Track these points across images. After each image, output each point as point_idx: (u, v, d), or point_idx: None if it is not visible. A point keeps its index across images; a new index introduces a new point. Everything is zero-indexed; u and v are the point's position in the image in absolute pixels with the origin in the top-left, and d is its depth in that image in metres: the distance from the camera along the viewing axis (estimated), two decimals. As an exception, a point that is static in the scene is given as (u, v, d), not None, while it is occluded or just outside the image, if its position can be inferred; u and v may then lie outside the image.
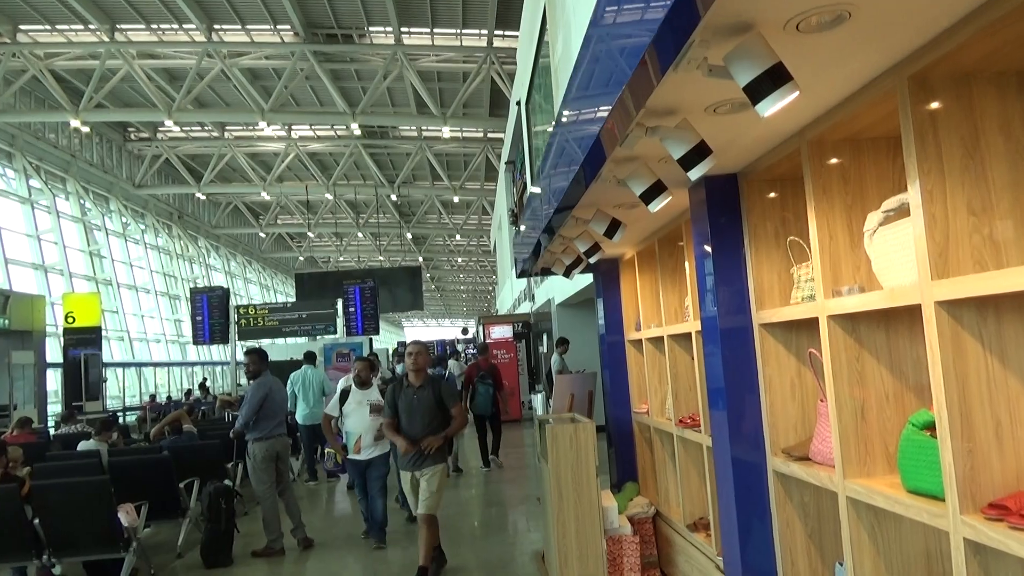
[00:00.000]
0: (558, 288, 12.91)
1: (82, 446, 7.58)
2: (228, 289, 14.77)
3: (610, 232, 3.79)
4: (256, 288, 38.79)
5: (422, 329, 74.46)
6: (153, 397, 21.46)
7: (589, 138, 2.86)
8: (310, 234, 36.13)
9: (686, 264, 4.32)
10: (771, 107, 1.87)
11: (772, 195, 3.37)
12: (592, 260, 4.31)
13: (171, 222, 30.67)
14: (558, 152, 3.74)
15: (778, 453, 3.27)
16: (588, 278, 10.31)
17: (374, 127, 26.99)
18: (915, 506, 2.27)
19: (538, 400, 13.87)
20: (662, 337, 4.97)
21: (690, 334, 4.36)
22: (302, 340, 17.41)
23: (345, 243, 39.75)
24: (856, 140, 2.77)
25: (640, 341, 5.57)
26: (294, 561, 6.66)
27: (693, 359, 4.46)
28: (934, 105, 2.13)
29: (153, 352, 27.13)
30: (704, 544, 4.43)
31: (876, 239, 2.49)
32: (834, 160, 2.77)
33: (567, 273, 5.32)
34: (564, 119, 3.46)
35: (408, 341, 5.60)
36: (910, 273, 2.29)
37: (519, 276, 6.06)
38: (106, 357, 22.54)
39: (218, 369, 29.63)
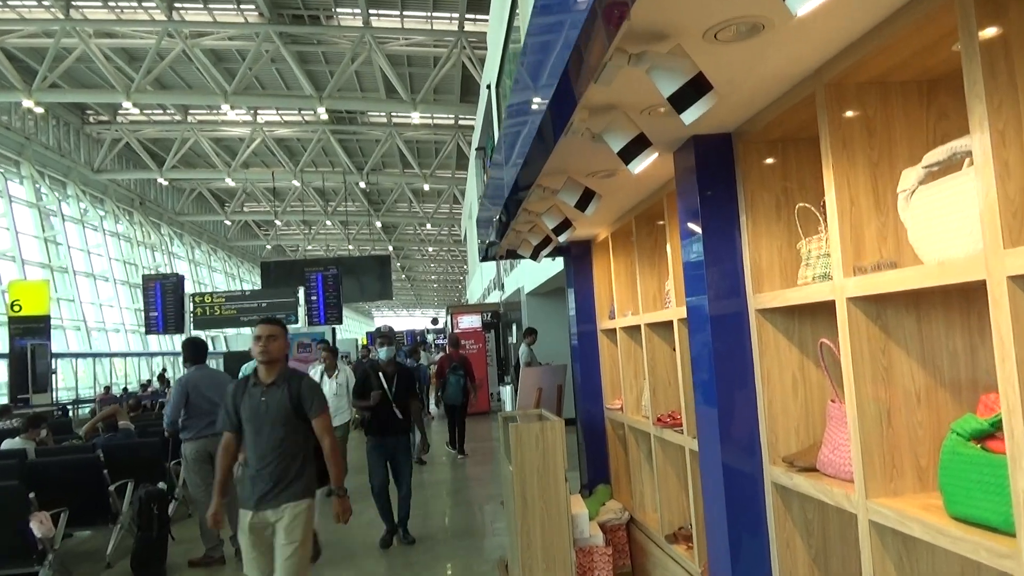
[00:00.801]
0: (528, 276, 12.36)
1: (6, 445, 6.88)
2: (183, 276, 13.97)
3: (583, 204, 3.24)
4: (221, 277, 37.69)
5: (392, 319, 73.51)
6: (108, 389, 20.52)
7: (558, 69, 2.30)
8: (277, 222, 35.18)
9: (667, 244, 3.79)
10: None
11: (771, 161, 2.85)
12: (562, 239, 3.76)
13: (132, 208, 29.56)
14: (520, 91, 3.17)
15: (777, 461, 2.75)
16: (559, 265, 9.77)
17: (342, 112, 26.23)
18: (970, 541, 1.75)
19: (507, 392, 13.33)
20: (639, 326, 4.44)
21: (671, 322, 3.83)
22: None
23: (314, 231, 38.83)
24: (884, 83, 2.24)
25: (614, 331, 5.04)
26: (234, 571, 6.04)
27: (675, 350, 3.93)
28: (993, 31, 1.60)
29: (112, 342, 26.11)
30: (685, 558, 3.92)
31: (915, 201, 1.96)
32: (853, 112, 2.25)
33: (535, 255, 4.76)
34: (529, 49, 2.90)
35: (266, 318, 4.31)
36: (963, 242, 1.77)
37: (483, 260, 5.51)
38: (61, 347, 21.58)
39: (180, 359, 28.75)
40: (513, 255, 5.46)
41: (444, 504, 8.39)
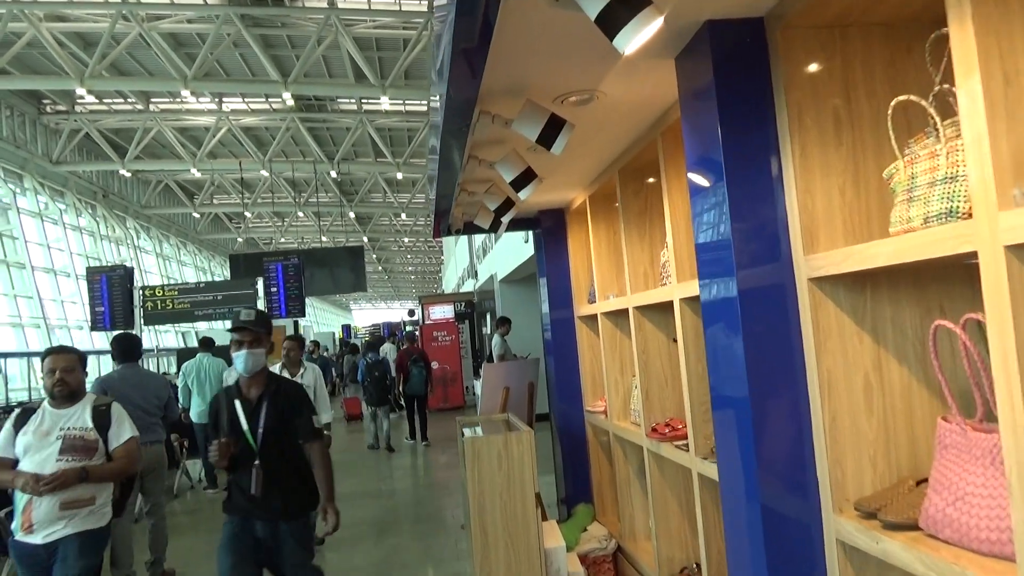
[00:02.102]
0: (501, 262, 11.37)
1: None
2: (131, 268, 12.80)
3: (547, 137, 2.26)
4: (191, 271, 36.21)
5: (370, 311, 72.14)
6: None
7: None
8: (247, 214, 33.83)
9: (664, 201, 2.80)
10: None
11: (824, 58, 1.88)
12: (523, 195, 2.77)
13: (95, 201, 28.10)
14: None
15: (847, 509, 1.79)
16: (529, 249, 8.74)
17: (311, 99, 25.08)
18: None
19: (481, 386, 12.37)
20: (626, 310, 3.46)
21: (671, 304, 2.85)
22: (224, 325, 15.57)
23: (286, 223, 37.48)
24: None
25: (595, 317, 4.06)
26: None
27: (675, 341, 2.97)
28: None
29: (76, 340, 24.79)
30: (692, 611, 2.97)
31: None
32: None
33: (494, 226, 3.78)
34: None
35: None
36: None
37: (435, 235, 4.52)
38: (20, 346, 20.32)
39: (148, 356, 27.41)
40: (473, 228, 4.44)
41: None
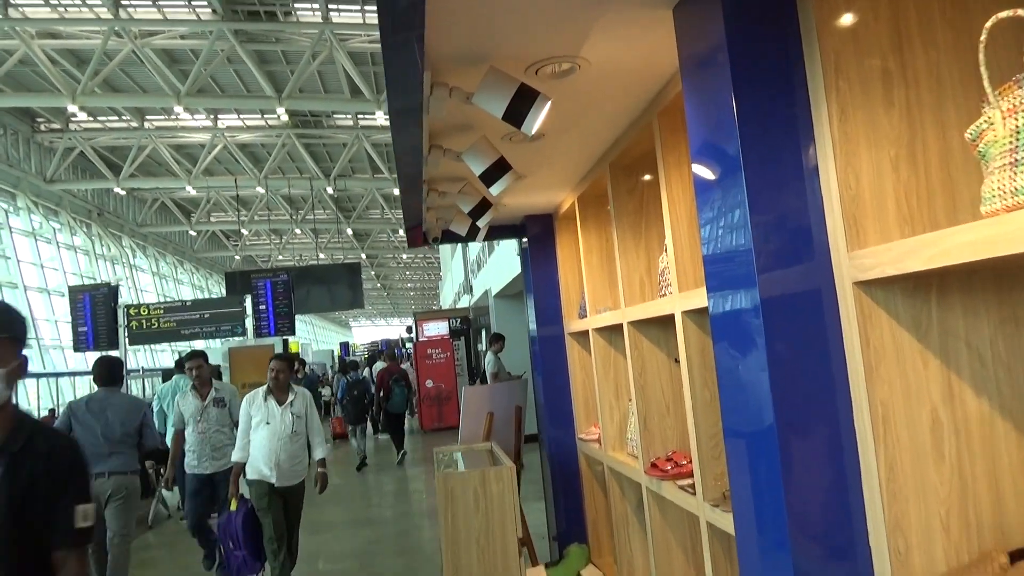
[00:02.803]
0: (495, 276, 10.92)
1: None
2: (116, 287, 12.32)
3: (517, 113, 1.82)
4: (188, 289, 35.73)
5: (370, 329, 71.54)
6: (52, 412, 18.70)
7: None
8: (244, 231, 33.44)
9: (662, 197, 2.36)
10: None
11: (865, 9, 1.44)
12: (496, 191, 2.32)
13: (90, 220, 27.71)
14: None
15: (914, 589, 1.33)
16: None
17: (307, 115, 24.83)
18: None
19: (476, 405, 11.89)
20: (620, 326, 3.01)
21: (671, 318, 2.40)
22: (216, 343, 15.07)
23: (284, 241, 37.09)
24: None
25: (586, 333, 3.60)
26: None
27: (677, 362, 2.51)
28: None
29: (70, 361, 24.31)
30: None
31: None
32: None
33: (472, 235, 3.34)
34: None
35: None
36: None
37: (410, 244, 4.05)
38: None
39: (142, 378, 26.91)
40: (453, 237, 3.98)
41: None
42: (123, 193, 27.76)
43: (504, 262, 9.89)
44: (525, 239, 4.14)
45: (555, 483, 3.97)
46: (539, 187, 3.36)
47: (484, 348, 13.03)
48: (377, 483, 10.10)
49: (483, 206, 3.04)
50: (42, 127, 24.56)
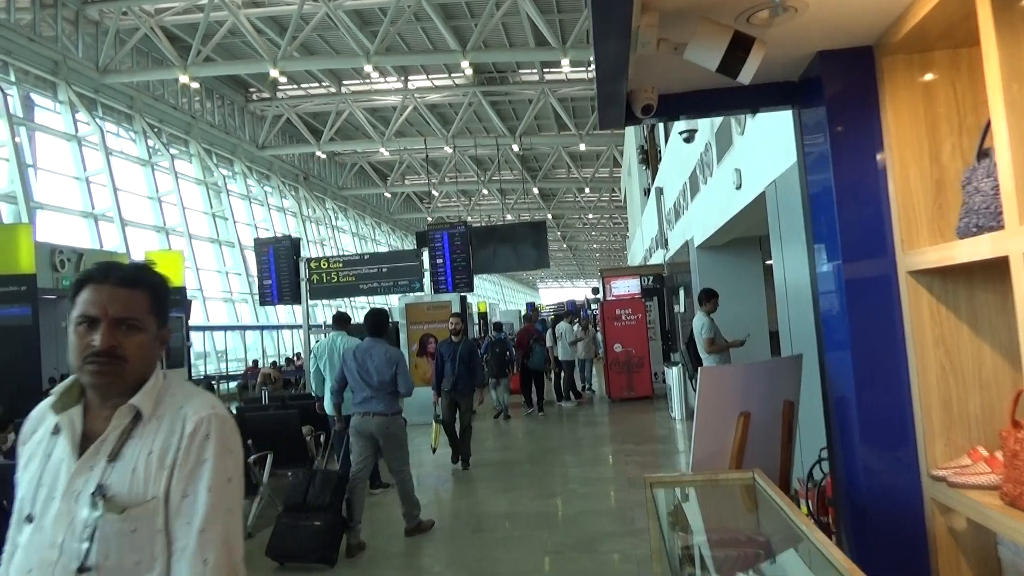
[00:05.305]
0: (699, 224, 8.95)
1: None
2: (298, 239, 11.87)
3: (732, 63, 0.52)
4: (385, 249, 36.79)
5: (556, 290, 70.98)
6: (255, 363, 19.35)
7: None
8: (434, 192, 33.55)
9: None
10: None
11: None
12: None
13: (297, 184, 28.89)
14: None
15: None
16: (746, 197, 6.25)
17: (492, 69, 23.91)
18: None
19: (673, 374, 10.07)
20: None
21: None
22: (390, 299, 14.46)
23: (472, 202, 36.95)
24: None
25: (957, 272, 1.74)
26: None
27: None
28: None
29: (281, 315, 25.49)
30: None
31: None
32: None
33: (729, 66, 1.61)
34: None
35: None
36: None
37: (601, 126, 2.43)
38: (217, 320, 20.88)
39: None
40: (673, 108, 2.24)
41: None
42: (324, 157, 28.58)
43: (713, 203, 7.91)
44: (809, 106, 2.31)
45: (861, 559, 2.15)
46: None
47: (681, 309, 11.14)
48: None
49: (741, 45, 1.35)
50: (254, 96, 25.66)
